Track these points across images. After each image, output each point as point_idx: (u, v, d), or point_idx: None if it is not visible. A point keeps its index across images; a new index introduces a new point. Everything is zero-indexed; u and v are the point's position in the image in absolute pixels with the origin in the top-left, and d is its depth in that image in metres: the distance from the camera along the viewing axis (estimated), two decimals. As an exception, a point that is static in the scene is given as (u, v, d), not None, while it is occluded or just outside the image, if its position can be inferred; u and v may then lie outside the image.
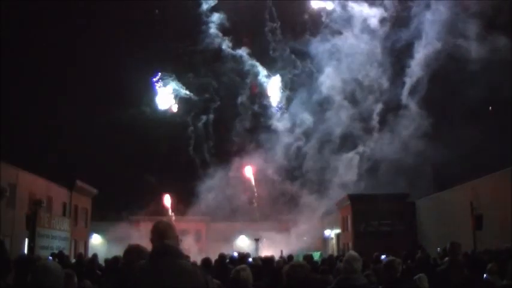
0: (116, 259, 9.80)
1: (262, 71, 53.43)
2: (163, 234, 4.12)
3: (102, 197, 45.60)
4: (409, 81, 46.26)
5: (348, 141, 49.10)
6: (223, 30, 53.16)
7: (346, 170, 47.79)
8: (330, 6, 51.11)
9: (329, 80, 48.64)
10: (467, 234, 24.71)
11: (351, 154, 48.48)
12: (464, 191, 32.09)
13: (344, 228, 47.34)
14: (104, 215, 46.89)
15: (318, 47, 49.30)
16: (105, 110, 47.46)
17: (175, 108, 56.11)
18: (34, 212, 23.63)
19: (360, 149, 48.57)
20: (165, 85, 55.06)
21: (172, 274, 3.87)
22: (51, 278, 4.31)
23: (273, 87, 54.00)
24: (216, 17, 52.76)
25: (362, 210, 42.52)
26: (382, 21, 47.57)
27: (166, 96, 56.22)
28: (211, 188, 47.70)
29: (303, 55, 51.14)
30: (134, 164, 49.11)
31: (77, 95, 48.44)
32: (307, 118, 50.29)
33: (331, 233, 51.94)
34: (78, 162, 46.04)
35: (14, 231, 26.96)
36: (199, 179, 49.54)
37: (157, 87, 55.32)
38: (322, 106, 49.38)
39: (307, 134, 50.84)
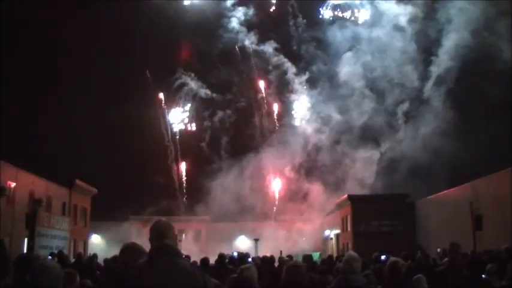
0: (115, 259, 9.80)
1: (291, 68, 52.92)
2: (162, 234, 4.10)
3: (102, 197, 45.55)
4: (434, 74, 45.99)
5: (367, 134, 48.69)
6: (248, 25, 52.85)
7: (364, 168, 47.41)
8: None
9: (352, 72, 48.44)
10: (467, 235, 24.71)
11: (369, 152, 48.04)
12: (464, 191, 32.09)
13: (344, 229, 47.29)
14: (103, 214, 46.80)
15: (341, 38, 49.29)
16: (105, 109, 47.40)
17: (192, 126, 55.85)
18: (34, 212, 23.66)
19: (383, 147, 48.08)
20: (182, 85, 54.53)
21: (171, 274, 3.87)
22: (51, 278, 4.30)
23: (299, 83, 53.56)
24: (239, 12, 52.41)
25: (362, 211, 42.49)
26: (410, 13, 47.29)
27: (182, 114, 55.84)
28: (222, 187, 47.44)
29: (326, 47, 50.85)
30: (134, 163, 49.02)
31: (77, 95, 48.32)
32: (331, 114, 49.90)
33: (330, 233, 51.88)
34: (78, 161, 45.96)
35: (13, 231, 26.95)
36: (210, 177, 49.41)
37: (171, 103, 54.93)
38: (345, 99, 49.03)
39: (328, 130, 50.58)
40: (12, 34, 43.28)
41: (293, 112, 54.16)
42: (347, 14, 51.90)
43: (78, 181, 41.32)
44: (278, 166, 51.52)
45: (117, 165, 46.66)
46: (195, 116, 56.13)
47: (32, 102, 46.09)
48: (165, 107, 55.52)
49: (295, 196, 49.12)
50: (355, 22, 51.15)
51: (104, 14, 48.14)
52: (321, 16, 52.31)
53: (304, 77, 52.64)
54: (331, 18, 51.80)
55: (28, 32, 46.20)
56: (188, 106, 55.83)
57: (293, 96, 53.89)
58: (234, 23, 52.25)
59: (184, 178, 55.03)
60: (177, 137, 55.96)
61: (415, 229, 41.32)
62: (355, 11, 51.80)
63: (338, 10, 51.95)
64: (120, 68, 47.69)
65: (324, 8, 52.16)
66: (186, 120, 56.36)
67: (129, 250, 5.37)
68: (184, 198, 54.02)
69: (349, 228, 44.82)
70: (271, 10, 53.31)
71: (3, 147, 32.54)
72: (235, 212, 47.78)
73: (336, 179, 47.18)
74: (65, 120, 47.78)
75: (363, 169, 47.36)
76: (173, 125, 56.10)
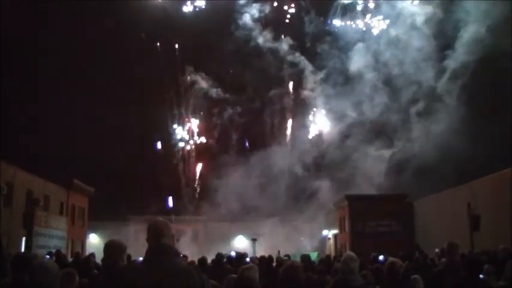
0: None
1: (306, 65, 51.32)
2: (159, 234, 4.10)
3: (100, 197, 45.44)
4: (448, 68, 44.35)
5: (378, 132, 47.62)
6: (261, 22, 51.51)
7: (373, 167, 46.23)
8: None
9: (364, 63, 47.67)
10: (465, 235, 24.75)
11: (380, 151, 46.68)
12: (462, 192, 32.12)
13: (341, 229, 47.28)
14: (101, 214, 46.71)
15: (353, 31, 48.81)
16: (106, 109, 47.26)
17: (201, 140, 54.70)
18: (31, 211, 23.61)
19: (394, 146, 46.55)
20: (192, 84, 53.13)
21: (168, 273, 3.86)
22: (49, 277, 4.29)
23: (313, 81, 51.99)
24: (253, 9, 51.14)
25: (359, 211, 42.48)
26: (426, 14, 46.06)
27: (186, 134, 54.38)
28: (227, 185, 46.75)
29: (337, 40, 49.83)
30: (134, 163, 48.81)
31: (76, 95, 48.19)
32: (343, 110, 48.64)
33: (328, 233, 51.86)
34: (76, 161, 45.87)
35: (11, 230, 26.90)
36: (217, 176, 48.88)
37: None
38: (358, 93, 47.93)
39: (339, 126, 49.61)
40: (12, 32, 43.08)
41: (307, 110, 52.89)
42: (359, 23, 50.29)
43: (76, 181, 41.26)
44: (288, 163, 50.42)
45: (115, 164, 46.57)
46: (204, 114, 55.04)
47: (30, 101, 46.00)
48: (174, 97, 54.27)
49: (301, 194, 48.22)
50: (368, 32, 49.98)
51: (108, 13, 47.77)
52: (328, 27, 51.14)
53: (318, 73, 51.31)
54: (337, 30, 50.68)
55: (28, 30, 45.98)
56: (196, 122, 54.85)
57: (306, 93, 52.53)
58: (247, 20, 51.12)
59: (197, 179, 54.46)
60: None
61: (414, 229, 41.33)
62: (367, 17, 49.98)
63: (349, 20, 50.50)
64: (123, 65, 47.32)
65: (332, 16, 50.88)
66: (197, 130, 55.36)
67: (111, 247, 5.44)
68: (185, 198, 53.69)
69: (347, 229, 44.82)
70: (290, 10, 51.88)
71: (1, 146, 32.49)
72: (239, 211, 47.07)
73: (344, 177, 46.51)
74: (64, 120, 47.68)
75: (372, 168, 46.30)
76: (181, 141, 55.02)
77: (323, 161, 49.20)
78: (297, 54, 51.34)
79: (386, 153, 46.63)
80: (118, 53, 48.15)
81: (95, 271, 11.68)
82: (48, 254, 18.18)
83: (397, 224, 41.63)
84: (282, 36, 51.68)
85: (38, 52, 46.46)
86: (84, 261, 13.61)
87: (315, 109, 52.61)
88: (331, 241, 51.37)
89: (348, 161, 47.05)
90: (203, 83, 53.60)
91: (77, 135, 47.84)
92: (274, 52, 51.21)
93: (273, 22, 51.68)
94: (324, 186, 47.14)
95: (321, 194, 47.17)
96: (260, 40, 51.04)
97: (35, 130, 45.96)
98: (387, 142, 47.35)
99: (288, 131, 52.46)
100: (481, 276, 8.51)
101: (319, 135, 51.14)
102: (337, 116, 49.76)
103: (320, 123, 52.05)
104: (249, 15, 51.07)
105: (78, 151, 46.27)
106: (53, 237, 30.79)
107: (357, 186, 45.46)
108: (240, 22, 51.04)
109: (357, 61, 47.89)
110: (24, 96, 45.60)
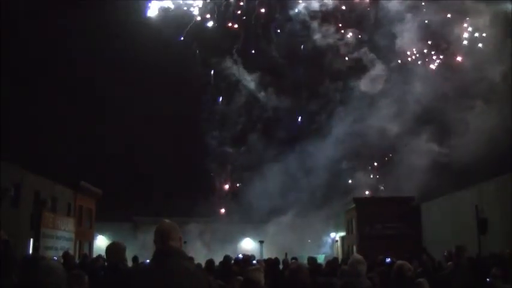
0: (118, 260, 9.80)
1: (379, 65, 47.09)
2: (166, 236, 4.11)
3: (107, 198, 45.41)
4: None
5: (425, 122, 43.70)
6: (319, 16, 47.76)
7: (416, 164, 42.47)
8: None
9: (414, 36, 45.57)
10: (472, 238, 24.67)
11: (430, 144, 43.10)
12: (470, 194, 31.96)
13: (349, 231, 47.25)
14: (108, 216, 46.67)
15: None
16: (115, 109, 47.20)
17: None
18: (39, 212, 23.74)
19: (447, 145, 41.97)
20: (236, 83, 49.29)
21: (175, 275, 3.88)
22: (57, 279, 4.31)
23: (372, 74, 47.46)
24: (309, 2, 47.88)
25: (367, 213, 42.44)
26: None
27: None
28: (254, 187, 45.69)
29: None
30: (140, 162, 48.64)
31: (83, 95, 48.21)
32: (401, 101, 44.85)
33: (336, 235, 51.78)
34: (83, 162, 45.88)
35: (18, 232, 27.00)
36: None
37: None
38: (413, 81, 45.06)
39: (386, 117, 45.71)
40: (14, 29, 42.96)
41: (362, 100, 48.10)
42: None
43: (83, 182, 41.38)
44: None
45: (123, 166, 46.51)
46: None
47: (37, 102, 46.04)
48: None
49: (334, 191, 46.26)
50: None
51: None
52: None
53: (378, 64, 47.36)
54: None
55: (32, 28, 45.76)
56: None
57: (363, 86, 47.81)
58: (303, 14, 47.79)
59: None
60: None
61: (421, 232, 41.20)
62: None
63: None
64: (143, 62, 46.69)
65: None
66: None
67: (115, 248, 5.51)
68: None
69: (354, 231, 44.79)
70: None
71: (7, 147, 32.59)
72: (253, 212, 45.80)
73: (386, 172, 44.92)
74: (71, 121, 47.65)
75: (415, 164, 42.41)
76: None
77: (369, 153, 47.17)
78: (364, 49, 47.75)
79: (434, 147, 42.99)
80: (128, 45, 47.48)
81: (102, 273, 11.72)
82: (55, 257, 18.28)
83: (404, 227, 41.52)
84: (349, 31, 48.41)
85: (44, 52, 46.45)
86: (91, 263, 13.66)
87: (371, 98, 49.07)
88: (339, 243, 51.29)
89: (395, 155, 45.33)
90: (250, 84, 49.81)
91: (84, 136, 47.78)
92: (332, 46, 47.80)
93: (332, 15, 48.20)
94: (362, 181, 46.12)
95: (357, 190, 45.97)
96: (318, 35, 47.57)
97: (42, 131, 45.98)
98: (438, 137, 43.49)
99: (336, 124, 48.62)
100: (488, 279, 8.49)
101: (372, 127, 48.44)
102: (392, 106, 45.66)
103: (374, 114, 48.83)
104: (307, 7, 47.89)
105: (85, 152, 46.33)
106: (61, 238, 30.85)
107: (389, 186, 44.67)
108: (293, 13, 48.09)
109: (407, 36, 45.83)
110: (32, 97, 45.69)
